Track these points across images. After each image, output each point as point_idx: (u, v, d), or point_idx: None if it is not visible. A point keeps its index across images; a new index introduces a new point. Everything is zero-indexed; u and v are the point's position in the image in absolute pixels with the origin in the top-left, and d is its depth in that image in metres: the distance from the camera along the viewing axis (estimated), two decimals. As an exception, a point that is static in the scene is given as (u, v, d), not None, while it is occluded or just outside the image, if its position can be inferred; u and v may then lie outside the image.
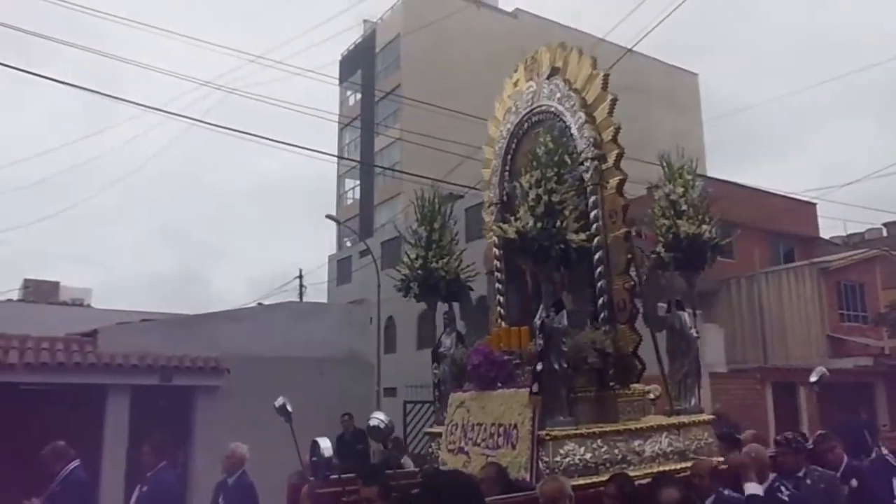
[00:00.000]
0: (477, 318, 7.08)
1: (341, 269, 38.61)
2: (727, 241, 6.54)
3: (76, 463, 6.58)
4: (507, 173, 7.07)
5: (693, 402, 6.12)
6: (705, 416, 6.14)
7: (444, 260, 6.95)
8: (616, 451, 5.50)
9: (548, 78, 6.77)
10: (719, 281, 25.27)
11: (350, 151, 43.93)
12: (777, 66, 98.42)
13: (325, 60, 48.55)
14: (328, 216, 30.05)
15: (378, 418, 5.28)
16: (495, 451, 5.62)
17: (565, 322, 5.52)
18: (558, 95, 6.59)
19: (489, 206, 7.26)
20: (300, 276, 34.61)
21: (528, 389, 5.53)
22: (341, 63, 45.33)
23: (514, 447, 5.46)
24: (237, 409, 12.03)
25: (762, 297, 24.15)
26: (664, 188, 6.48)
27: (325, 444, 5.34)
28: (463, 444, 6.04)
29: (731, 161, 76.01)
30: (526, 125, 6.96)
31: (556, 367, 5.43)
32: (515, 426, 5.50)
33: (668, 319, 6.22)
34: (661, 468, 5.58)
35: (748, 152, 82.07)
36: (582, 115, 6.33)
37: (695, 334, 6.14)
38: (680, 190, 6.38)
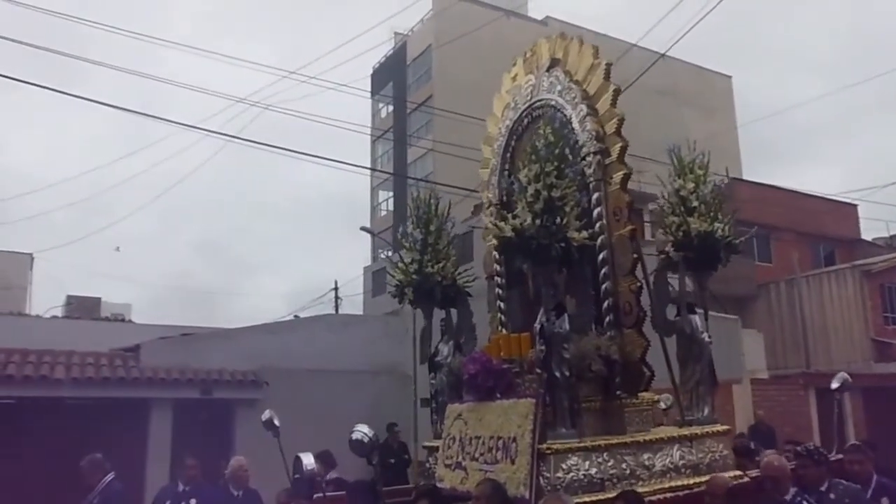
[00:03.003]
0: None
1: (376, 280, 38.46)
2: (742, 240, 6.09)
3: (112, 475, 6.65)
4: (506, 172, 6.72)
5: (706, 411, 5.72)
6: (720, 427, 5.72)
7: (441, 264, 6.61)
8: (624, 465, 5.13)
9: (547, 70, 6.43)
10: (758, 285, 24.70)
11: (383, 163, 43.86)
12: (814, 66, 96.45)
13: (357, 75, 48.68)
14: (363, 228, 29.97)
15: (361, 431, 4.92)
16: (493, 466, 5.26)
17: (567, 326, 5.17)
18: (559, 88, 6.25)
19: (488, 208, 6.91)
20: (336, 288, 34.56)
21: (527, 399, 5.20)
22: (373, 76, 45.34)
23: (512, 462, 5.10)
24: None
25: (803, 300, 23.49)
26: (674, 184, 6.10)
27: (308, 461, 5.02)
28: (460, 458, 5.67)
29: (769, 164, 74.36)
30: (525, 121, 6.61)
31: (558, 375, 5.09)
32: (514, 439, 5.14)
33: (679, 323, 5.84)
34: (673, 483, 5.22)
35: (786, 155, 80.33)
36: (583, 107, 5.98)
37: (707, 339, 5.74)
38: (690, 185, 6.01)
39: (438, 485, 5.76)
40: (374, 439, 4.96)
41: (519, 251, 5.25)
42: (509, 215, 5.30)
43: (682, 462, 5.37)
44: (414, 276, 6.60)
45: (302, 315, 27.06)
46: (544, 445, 4.93)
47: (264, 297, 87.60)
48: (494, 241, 6.52)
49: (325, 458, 7.32)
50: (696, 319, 5.79)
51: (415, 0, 42.18)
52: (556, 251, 5.08)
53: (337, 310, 32.32)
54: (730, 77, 46.90)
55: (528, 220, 5.11)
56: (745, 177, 32.33)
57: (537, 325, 5.18)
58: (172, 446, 12.16)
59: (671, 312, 6.01)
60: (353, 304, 38.95)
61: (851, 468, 5.81)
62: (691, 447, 5.46)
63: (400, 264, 6.74)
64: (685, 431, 5.56)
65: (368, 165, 41.74)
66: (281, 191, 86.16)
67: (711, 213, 5.93)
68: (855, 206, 28.63)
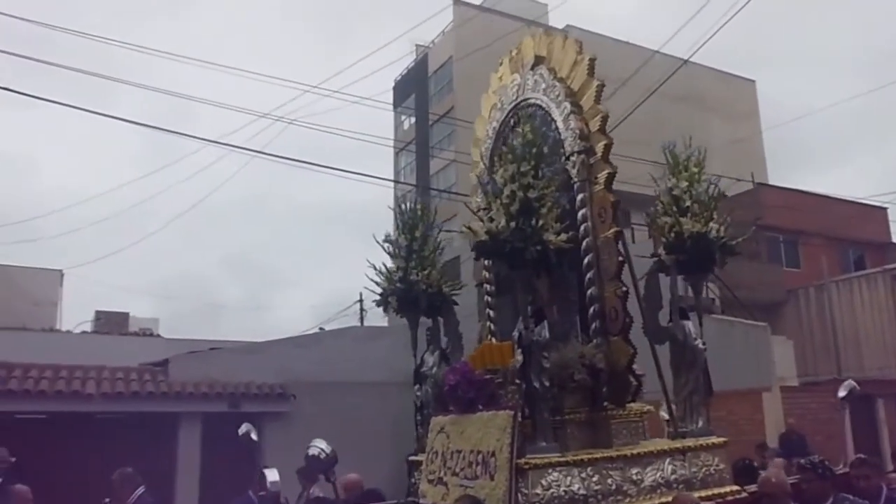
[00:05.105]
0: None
1: (400, 292, 38.17)
2: (738, 241, 5.74)
3: (143, 488, 6.66)
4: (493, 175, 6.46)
5: (701, 422, 5.38)
6: (716, 439, 5.36)
7: (426, 272, 6.35)
8: (609, 480, 4.81)
9: (532, 68, 6.19)
10: (787, 291, 24.13)
11: (406, 175, 43.73)
12: (840, 69, 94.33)
13: (379, 88, 48.84)
14: (386, 240, 29.73)
15: (318, 447, 4.68)
16: (473, 482, 4.98)
17: (546, 334, 4.88)
18: (543, 86, 6.00)
19: (477, 212, 6.64)
20: (360, 301, 34.35)
21: (506, 411, 4.93)
22: (395, 88, 45.32)
23: (492, 477, 4.81)
24: (304, 434, 12.06)
25: (833, 306, 22.83)
26: (667, 182, 5.81)
27: (273, 477, 4.79)
28: (442, 473, 5.40)
29: (795, 168, 72.77)
30: (512, 121, 6.31)
31: (537, 385, 4.81)
32: (493, 453, 4.86)
33: (671, 330, 5.52)
34: (663, 499, 4.89)
35: (813, 159, 78.61)
36: (567, 104, 5.71)
37: (701, 345, 5.41)
38: (684, 184, 5.70)
39: (421, 501, 5.52)
40: (331, 455, 4.71)
41: (493, 255, 5.00)
42: (485, 218, 5.05)
43: (673, 477, 5.04)
44: (398, 284, 6.35)
45: (328, 328, 26.89)
46: (522, 460, 4.66)
47: (290, 310, 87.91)
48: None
49: (306, 474, 7.08)
50: (689, 325, 5.47)
51: (435, 12, 42.19)
52: (531, 255, 4.81)
53: (362, 322, 32.15)
54: (754, 81, 46.12)
55: (503, 222, 4.86)
56: (771, 182, 31.75)
57: (515, 333, 4.92)
58: (201, 459, 12.39)
59: (665, 318, 5.71)
60: (379, 316, 38.77)
61: (858, 483, 5.46)
62: (684, 461, 5.14)
63: (383, 271, 6.48)
64: (677, 444, 5.22)
65: (391, 178, 41.64)
66: (306, 204, 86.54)
67: (706, 214, 5.62)
68: (885, 209, 27.84)
